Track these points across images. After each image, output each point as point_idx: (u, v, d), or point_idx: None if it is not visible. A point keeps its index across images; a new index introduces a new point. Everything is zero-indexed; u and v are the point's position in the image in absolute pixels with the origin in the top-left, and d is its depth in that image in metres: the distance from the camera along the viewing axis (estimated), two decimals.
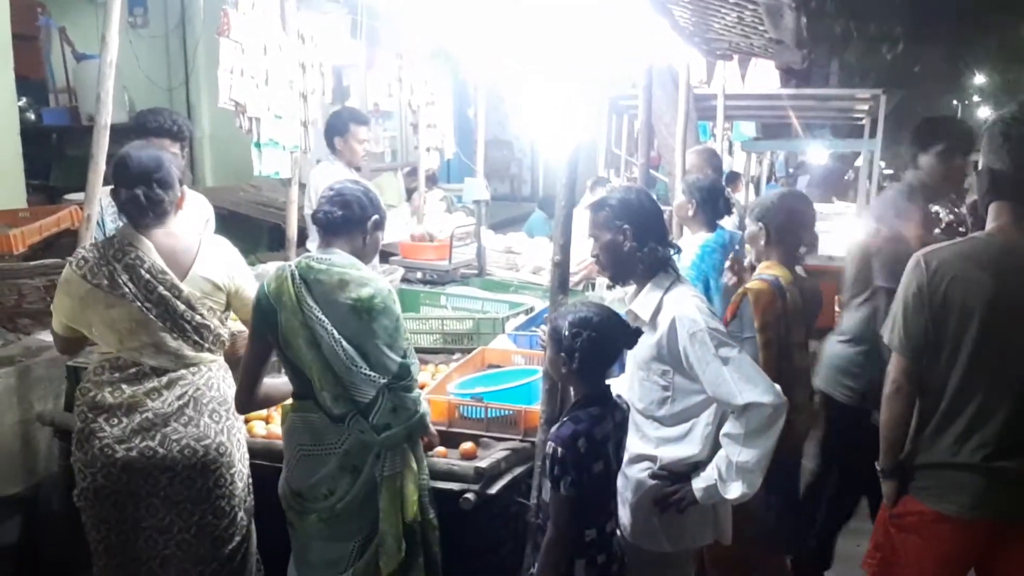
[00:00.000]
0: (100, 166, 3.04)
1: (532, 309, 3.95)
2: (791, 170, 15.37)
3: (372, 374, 2.26)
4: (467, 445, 2.66)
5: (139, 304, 2.43)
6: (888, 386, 2.30)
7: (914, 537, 2.30)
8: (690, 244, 3.70)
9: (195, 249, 2.53)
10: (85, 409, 2.49)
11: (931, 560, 2.27)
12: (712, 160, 4.87)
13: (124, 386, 2.47)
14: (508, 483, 2.57)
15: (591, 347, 2.19)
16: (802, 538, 3.50)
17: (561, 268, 2.49)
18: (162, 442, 2.45)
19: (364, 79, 6.49)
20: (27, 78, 5.94)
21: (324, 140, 4.58)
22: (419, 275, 4.73)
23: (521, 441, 2.70)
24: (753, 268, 3.12)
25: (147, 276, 2.43)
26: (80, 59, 6.52)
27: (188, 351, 2.51)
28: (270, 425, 2.86)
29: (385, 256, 4.91)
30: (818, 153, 11.79)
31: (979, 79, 18.92)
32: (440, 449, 2.65)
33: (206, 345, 2.54)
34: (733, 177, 8.98)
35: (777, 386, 2.28)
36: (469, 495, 2.47)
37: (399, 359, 2.32)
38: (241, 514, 2.61)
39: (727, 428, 2.29)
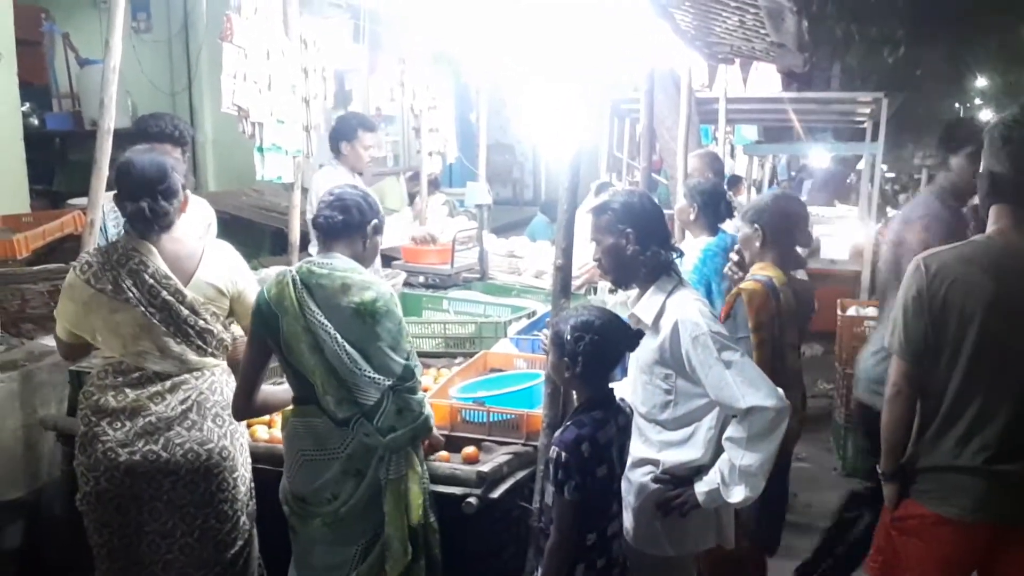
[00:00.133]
0: (103, 171, 3.05)
1: (534, 313, 3.95)
2: (793, 173, 15.36)
3: (376, 376, 2.27)
4: (469, 449, 2.66)
5: (143, 309, 2.43)
6: (889, 389, 2.30)
7: (915, 540, 2.30)
8: (692, 248, 3.69)
9: (199, 254, 2.54)
10: (88, 413, 2.49)
11: (932, 563, 2.27)
12: (714, 164, 4.88)
13: (127, 390, 2.47)
14: (510, 487, 2.56)
15: (593, 351, 2.19)
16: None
17: (563, 272, 2.49)
18: (165, 446, 2.46)
19: (366, 83, 6.49)
20: (31, 83, 5.95)
21: (328, 144, 4.58)
22: (421, 279, 4.73)
23: (523, 445, 2.70)
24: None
25: (151, 281, 2.44)
26: (83, 64, 6.53)
27: (192, 356, 2.51)
28: (272, 429, 2.86)
29: (387, 260, 4.91)
30: (820, 156, 11.80)
31: (981, 81, 18.89)
32: (442, 453, 2.65)
33: (209, 350, 2.54)
34: (735, 181, 8.98)
35: (780, 390, 2.29)
36: (471, 499, 2.46)
37: (403, 361, 2.33)
38: (244, 518, 2.61)
39: (730, 432, 2.29)
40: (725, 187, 4.27)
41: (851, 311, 5.42)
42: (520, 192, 13.47)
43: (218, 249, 2.62)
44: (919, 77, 13.44)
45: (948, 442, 2.22)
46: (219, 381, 2.57)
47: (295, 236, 4.46)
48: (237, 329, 2.65)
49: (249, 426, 2.78)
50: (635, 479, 2.46)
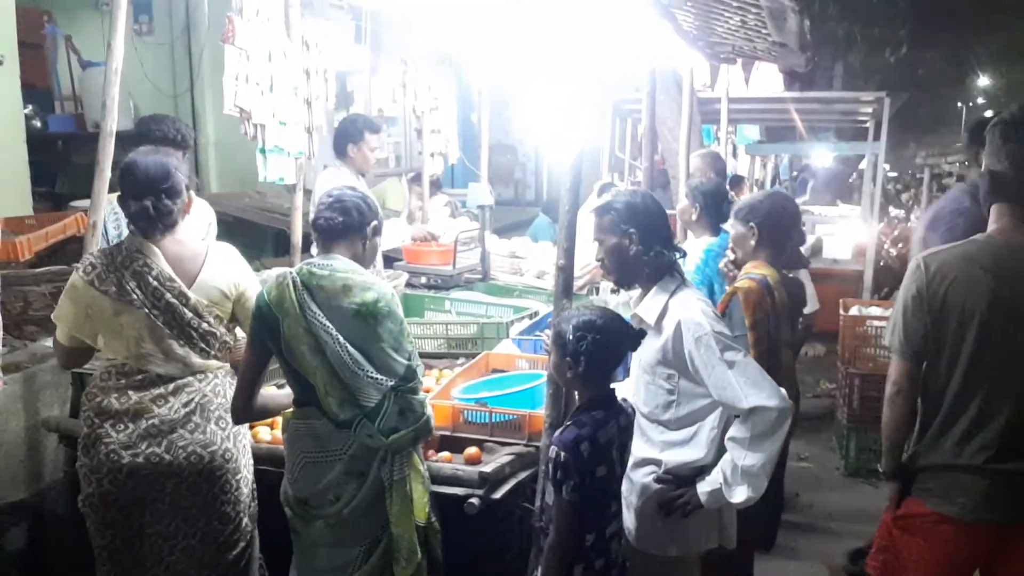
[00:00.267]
0: (105, 173, 3.05)
1: (536, 313, 3.95)
2: (795, 173, 15.36)
3: (379, 377, 2.27)
4: (471, 450, 2.66)
5: (147, 311, 2.44)
6: (889, 388, 2.31)
7: (917, 539, 2.30)
8: (694, 248, 3.70)
9: (202, 257, 2.54)
10: (91, 415, 2.49)
11: (934, 562, 2.26)
12: (716, 164, 4.88)
13: (131, 392, 2.47)
14: (512, 488, 2.57)
15: (595, 351, 2.19)
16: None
17: (565, 272, 2.49)
18: (168, 448, 2.46)
19: (368, 85, 6.51)
20: (33, 86, 5.96)
21: (333, 145, 4.58)
22: (423, 280, 4.73)
23: (525, 446, 2.70)
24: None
25: (155, 283, 2.44)
26: (86, 67, 6.54)
27: (195, 358, 2.51)
28: (275, 430, 2.87)
29: (389, 261, 4.92)
30: (822, 156, 11.80)
31: (983, 80, 18.90)
32: (444, 454, 2.65)
33: (213, 352, 2.54)
34: (737, 181, 8.97)
35: (783, 390, 2.28)
36: (474, 500, 2.47)
37: (405, 361, 2.33)
38: (246, 520, 2.62)
39: (732, 432, 2.29)
40: (727, 187, 4.27)
41: (853, 310, 5.41)
42: (522, 193, 13.47)
43: (222, 251, 2.62)
44: (921, 77, 13.44)
45: (949, 441, 2.22)
46: (222, 384, 2.57)
47: (297, 238, 4.46)
48: (240, 331, 2.66)
49: (252, 427, 2.78)
50: (637, 479, 2.45)
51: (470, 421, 2.80)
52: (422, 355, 2.81)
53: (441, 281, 4.69)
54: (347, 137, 4.49)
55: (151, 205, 2.44)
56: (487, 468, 2.54)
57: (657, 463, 2.44)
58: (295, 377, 2.33)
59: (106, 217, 3.29)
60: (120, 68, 3.08)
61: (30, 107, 5.96)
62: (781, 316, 2.96)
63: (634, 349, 2.35)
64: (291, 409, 2.41)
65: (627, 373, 2.65)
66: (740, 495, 2.26)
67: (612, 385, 2.34)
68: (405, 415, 2.31)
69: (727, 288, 3.07)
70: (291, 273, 2.33)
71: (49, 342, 3.39)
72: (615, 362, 2.31)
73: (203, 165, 7.21)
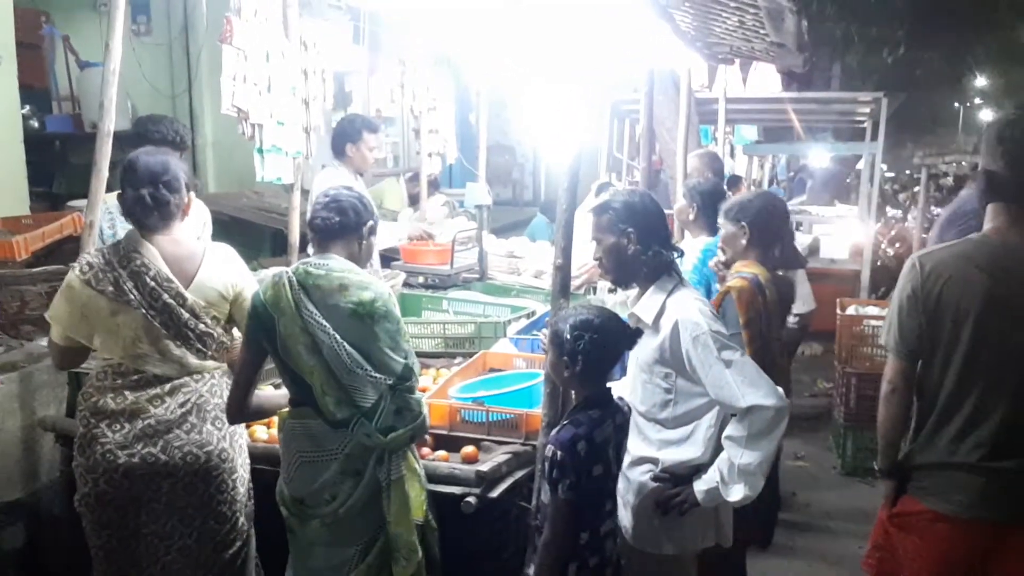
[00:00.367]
0: (103, 173, 3.05)
1: (534, 313, 3.95)
2: (792, 173, 15.37)
3: (377, 376, 2.27)
4: (469, 449, 2.66)
5: (144, 311, 2.43)
6: (884, 387, 2.31)
7: (913, 537, 2.30)
8: (692, 248, 3.70)
9: (199, 257, 2.54)
10: (87, 414, 2.49)
11: (930, 560, 2.26)
12: (713, 164, 4.88)
13: (127, 392, 2.47)
14: (509, 487, 2.57)
15: (592, 350, 2.20)
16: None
17: (562, 272, 2.49)
18: (164, 449, 2.45)
19: (366, 85, 6.50)
20: (31, 86, 5.95)
21: (331, 145, 4.58)
22: (421, 279, 4.73)
23: (522, 445, 2.70)
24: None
25: (152, 283, 2.44)
26: (84, 67, 6.53)
27: (192, 359, 2.51)
28: (271, 430, 2.86)
29: (387, 260, 4.92)
30: (820, 156, 11.80)
31: (981, 81, 18.92)
32: (441, 453, 2.65)
33: (209, 353, 2.54)
34: (735, 181, 8.98)
35: (780, 389, 2.29)
36: (471, 499, 2.47)
37: (402, 360, 2.33)
38: (242, 519, 2.61)
39: (729, 431, 2.30)
40: (725, 187, 4.28)
41: (850, 310, 5.42)
42: (520, 193, 13.47)
43: (219, 252, 2.62)
44: (919, 77, 13.45)
45: (944, 439, 2.22)
46: (219, 384, 2.57)
47: (295, 237, 4.46)
48: (237, 332, 2.65)
49: (248, 427, 2.78)
50: (634, 478, 2.46)
51: (467, 420, 2.80)
52: (419, 354, 2.81)
53: (439, 281, 4.69)
54: (345, 137, 4.49)
55: (148, 194, 2.44)
56: (484, 467, 2.54)
57: (654, 462, 2.44)
58: (291, 377, 2.33)
59: (102, 217, 3.28)
60: (118, 68, 3.08)
61: (27, 107, 5.95)
62: (772, 314, 2.99)
63: (631, 348, 2.35)
64: (287, 409, 2.41)
65: (624, 372, 2.65)
66: (737, 494, 2.27)
67: (609, 384, 2.35)
68: (402, 414, 2.32)
69: (719, 287, 3.09)
70: (287, 272, 2.33)
71: (45, 341, 3.39)
72: (612, 361, 2.32)
73: (201, 165, 7.21)
